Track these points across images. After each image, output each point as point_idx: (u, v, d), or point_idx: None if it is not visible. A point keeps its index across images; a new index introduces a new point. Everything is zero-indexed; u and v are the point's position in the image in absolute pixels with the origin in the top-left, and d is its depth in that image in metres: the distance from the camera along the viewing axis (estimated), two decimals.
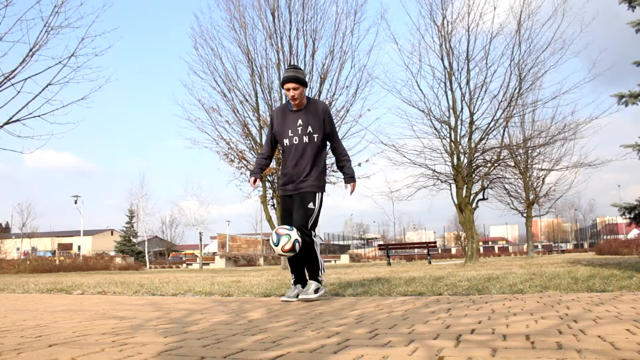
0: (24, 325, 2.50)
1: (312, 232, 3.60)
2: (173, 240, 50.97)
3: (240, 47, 14.14)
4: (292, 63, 13.78)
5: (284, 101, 14.12)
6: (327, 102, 13.92)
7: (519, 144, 16.50)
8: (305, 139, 3.59)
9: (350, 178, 3.76)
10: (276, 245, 3.40)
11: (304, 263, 3.68)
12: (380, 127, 31.14)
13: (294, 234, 3.41)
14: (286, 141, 3.63)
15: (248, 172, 14.17)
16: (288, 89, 3.54)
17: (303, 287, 3.68)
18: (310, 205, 3.57)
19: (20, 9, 26.30)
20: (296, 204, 3.61)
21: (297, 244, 3.40)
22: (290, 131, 3.61)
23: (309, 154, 3.60)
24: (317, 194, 3.62)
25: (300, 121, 3.61)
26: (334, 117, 13.83)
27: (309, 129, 3.59)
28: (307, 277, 3.73)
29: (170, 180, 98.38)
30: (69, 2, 9.39)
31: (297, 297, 3.59)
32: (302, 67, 13.81)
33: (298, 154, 3.60)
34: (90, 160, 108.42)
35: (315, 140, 3.60)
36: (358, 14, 13.84)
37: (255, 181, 3.76)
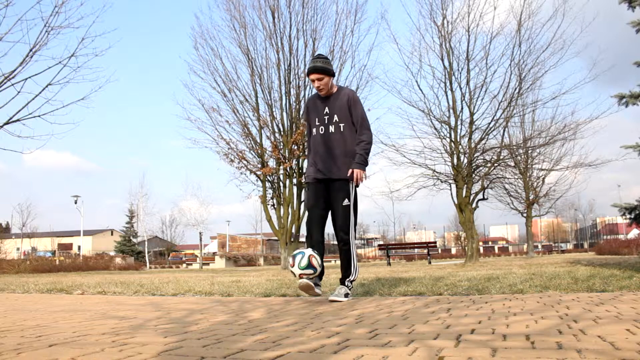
0: (24, 325, 2.50)
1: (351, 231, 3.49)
2: (173, 240, 50.95)
3: (240, 47, 14.17)
4: (290, 62, 13.76)
5: (283, 101, 14.21)
6: None
7: (519, 144, 16.49)
8: (332, 128, 3.52)
9: (355, 164, 3.49)
10: (292, 267, 3.26)
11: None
12: (380, 127, 31.07)
13: (308, 251, 3.30)
14: (314, 130, 3.60)
15: (248, 172, 14.25)
16: (313, 80, 3.51)
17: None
18: (345, 201, 3.45)
19: (20, 9, 26.33)
20: (332, 196, 3.51)
21: (314, 260, 3.26)
22: (317, 120, 3.58)
23: (335, 144, 3.49)
24: (351, 186, 3.48)
25: (327, 109, 3.55)
26: None
27: (335, 118, 3.53)
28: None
29: (170, 180, 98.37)
30: (69, 2, 9.39)
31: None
32: (302, 67, 13.80)
33: (325, 143, 3.51)
34: (90, 160, 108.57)
35: (342, 129, 3.51)
36: (358, 13, 13.89)
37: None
